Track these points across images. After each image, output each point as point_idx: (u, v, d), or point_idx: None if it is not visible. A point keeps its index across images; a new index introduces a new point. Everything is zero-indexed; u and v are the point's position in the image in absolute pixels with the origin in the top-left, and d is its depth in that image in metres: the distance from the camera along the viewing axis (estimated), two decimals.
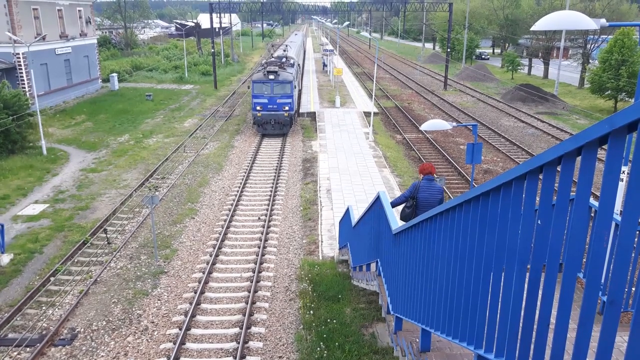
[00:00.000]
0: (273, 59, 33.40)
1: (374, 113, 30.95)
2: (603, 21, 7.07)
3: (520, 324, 2.59)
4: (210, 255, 15.04)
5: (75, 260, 14.89)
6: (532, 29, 6.95)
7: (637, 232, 2.09)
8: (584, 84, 48.03)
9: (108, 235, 16.35)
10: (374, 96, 32.43)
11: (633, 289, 5.23)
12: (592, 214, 5.54)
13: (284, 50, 41.80)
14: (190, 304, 12.44)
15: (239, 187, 20.85)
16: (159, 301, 12.86)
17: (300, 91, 40.24)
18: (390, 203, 7.11)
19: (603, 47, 40.98)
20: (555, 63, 54.97)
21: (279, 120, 28.74)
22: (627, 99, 37.71)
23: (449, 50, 52.34)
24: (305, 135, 30.37)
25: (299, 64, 41.68)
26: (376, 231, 8.06)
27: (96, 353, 10.76)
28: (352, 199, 19.25)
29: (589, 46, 49.65)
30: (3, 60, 32.76)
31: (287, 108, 28.60)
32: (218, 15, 59.04)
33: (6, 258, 14.63)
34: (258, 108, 28.55)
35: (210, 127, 32.45)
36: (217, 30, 66.72)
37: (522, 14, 65.25)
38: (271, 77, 28.26)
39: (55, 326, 11.48)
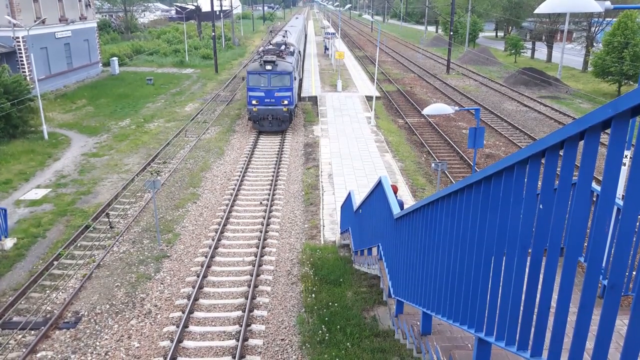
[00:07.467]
0: (271, 47, 31.00)
1: (376, 97, 30.79)
2: (608, 3, 6.99)
3: (521, 308, 2.61)
4: (213, 240, 15.10)
5: (78, 244, 14.97)
6: (536, 11, 6.88)
7: (639, 217, 2.09)
8: (587, 67, 47.63)
9: (110, 220, 16.41)
10: (375, 80, 32.23)
11: (634, 273, 5.25)
12: (594, 199, 5.54)
13: (284, 36, 39.59)
14: (193, 287, 12.54)
15: (241, 172, 20.86)
16: (161, 285, 12.96)
17: (301, 80, 38.50)
18: None
19: (608, 30, 40.53)
20: (559, 46, 54.49)
21: (277, 116, 26.06)
22: (630, 82, 37.42)
23: (451, 33, 51.83)
24: (307, 119, 30.27)
25: (299, 51, 39.73)
26: (378, 215, 8.08)
27: (100, 336, 10.88)
28: (353, 184, 19.26)
29: (593, 29, 49.11)
30: (3, 44, 32.58)
31: (286, 102, 25.85)
32: None
33: (9, 242, 14.72)
34: (254, 102, 25.83)
35: (211, 112, 32.36)
36: (217, 13, 66.15)
37: None
38: (268, 67, 25.58)
39: (60, 309, 11.59)
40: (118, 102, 34.29)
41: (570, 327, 2.26)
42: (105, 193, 18.87)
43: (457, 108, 17.19)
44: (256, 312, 11.62)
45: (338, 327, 10.65)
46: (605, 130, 1.98)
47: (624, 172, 8.38)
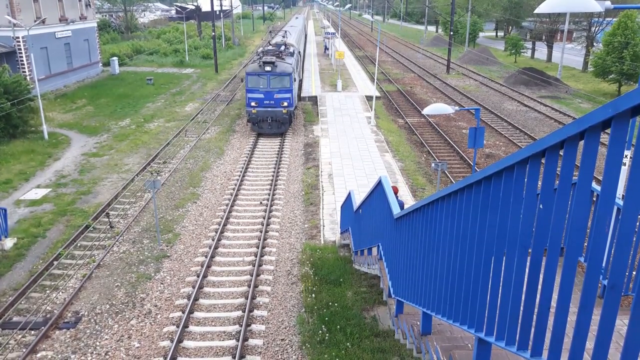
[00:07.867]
0: (270, 48, 30.66)
1: (376, 97, 30.78)
2: (608, 3, 6.99)
3: (521, 308, 2.60)
4: (213, 240, 15.10)
5: (78, 244, 14.97)
6: (536, 11, 6.88)
7: (639, 217, 2.09)
8: (587, 67, 47.61)
9: (110, 220, 16.41)
10: (375, 80, 32.23)
11: (634, 273, 5.25)
12: (594, 199, 5.53)
13: (283, 37, 39.13)
14: (193, 287, 12.53)
15: (241, 172, 20.86)
16: (162, 285, 12.96)
17: (301, 81, 38.23)
18: None
19: (608, 30, 40.53)
20: (559, 46, 54.48)
21: (276, 118, 25.81)
22: (631, 82, 37.42)
23: (451, 33, 51.81)
24: (307, 119, 30.26)
25: (299, 52, 39.41)
26: (378, 215, 8.08)
27: (100, 336, 10.88)
28: (353, 184, 19.26)
29: (593, 29, 49.11)
30: (3, 44, 32.59)
31: (285, 104, 25.58)
32: None
33: (9, 242, 14.72)
34: (253, 104, 25.55)
35: (211, 112, 32.36)
36: (217, 13, 66.14)
37: None
38: (267, 68, 25.28)
39: (60, 309, 11.59)
40: (118, 102, 34.29)
41: (570, 327, 2.26)
42: (105, 193, 18.87)
43: (457, 108, 17.18)
44: (256, 312, 11.62)
45: (338, 327, 10.64)
46: (605, 130, 1.98)
47: (624, 172, 8.38)
